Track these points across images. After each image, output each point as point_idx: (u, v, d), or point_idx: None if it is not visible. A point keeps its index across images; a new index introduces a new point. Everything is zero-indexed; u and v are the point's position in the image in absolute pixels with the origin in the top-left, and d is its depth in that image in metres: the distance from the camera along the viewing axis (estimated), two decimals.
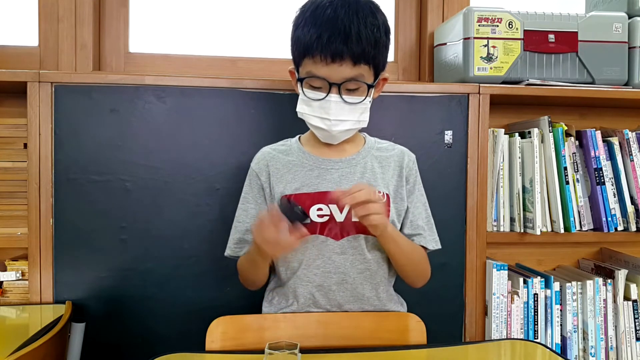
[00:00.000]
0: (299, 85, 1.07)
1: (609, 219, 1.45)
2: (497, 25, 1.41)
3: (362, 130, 1.18)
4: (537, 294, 1.40)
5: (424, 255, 1.14)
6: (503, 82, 1.42)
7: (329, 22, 0.98)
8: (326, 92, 1.02)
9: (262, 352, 0.86)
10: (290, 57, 1.11)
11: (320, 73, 1.01)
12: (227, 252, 1.14)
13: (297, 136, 1.18)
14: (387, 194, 1.09)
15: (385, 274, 1.11)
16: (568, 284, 1.42)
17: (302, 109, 1.07)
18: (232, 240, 1.14)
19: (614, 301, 1.44)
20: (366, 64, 1.01)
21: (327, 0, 1.01)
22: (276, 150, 1.15)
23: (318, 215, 1.06)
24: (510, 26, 1.41)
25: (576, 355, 1.43)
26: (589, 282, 1.42)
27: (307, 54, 1.01)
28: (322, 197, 1.07)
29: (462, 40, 1.42)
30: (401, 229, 1.13)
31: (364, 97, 1.04)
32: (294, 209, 0.97)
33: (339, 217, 1.06)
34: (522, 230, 1.43)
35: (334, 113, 1.03)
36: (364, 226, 1.06)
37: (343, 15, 0.98)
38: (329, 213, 1.06)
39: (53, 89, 1.27)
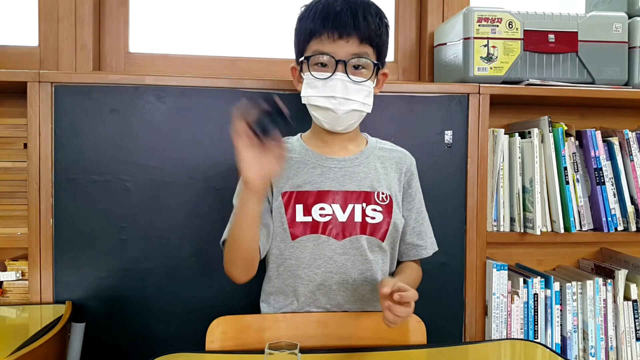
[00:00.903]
0: (301, 74, 1.07)
1: (609, 219, 1.45)
2: (497, 25, 1.41)
3: (363, 130, 1.18)
4: (537, 294, 1.40)
5: (420, 276, 1.18)
6: (503, 82, 1.42)
7: (337, 5, 1.02)
8: (332, 71, 1.03)
9: (262, 352, 0.86)
10: (291, 57, 1.11)
11: (327, 49, 1.02)
12: (222, 238, 1.10)
13: (299, 134, 1.18)
14: (389, 195, 1.09)
15: (386, 274, 1.11)
16: (568, 284, 1.42)
17: (307, 92, 1.07)
18: (227, 228, 1.11)
19: (614, 301, 1.44)
20: (371, 45, 1.04)
21: None
22: None
23: (320, 215, 1.06)
24: (510, 26, 1.41)
25: (576, 355, 1.43)
26: (589, 282, 1.42)
27: (314, 35, 1.03)
28: (324, 196, 1.07)
29: (462, 40, 1.42)
30: (403, 235, 1.14)
31: (369, 76, 1.05)
32: (276, 114, 0.82)
33: (342, 217, 1.06)
34: (522, 230, 1.43)
35: (340, 91, 1.03)
36: (366, 227, 1.06)
37: (348, 5, 1.02)
38: (331, 212, 1.06)
39: (53, 89, 1.27)
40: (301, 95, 1.08)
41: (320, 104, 1.05)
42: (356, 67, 1.04)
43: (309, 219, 1.06)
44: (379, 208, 1.08)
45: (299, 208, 1.06)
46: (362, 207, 1.07)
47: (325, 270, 1.07)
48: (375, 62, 1.05)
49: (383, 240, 1.08)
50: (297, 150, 1.13)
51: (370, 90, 1.07)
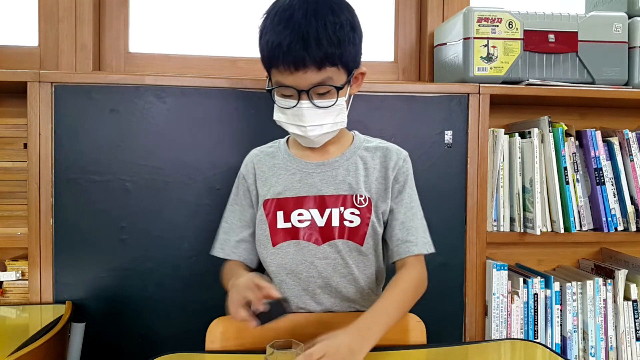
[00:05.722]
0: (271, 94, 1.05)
1: (609, 219, 1.45)
2: (497, 25, 1.41)
3: (363, 131, 1.18)
4: (537, 294, 1.40)
5: (414, 287, 1.04)
6: (503, 82, 1.42)
7: (287, 28, 0.95)
8: (297, 100, 1.00)
9: (262, 352, 0.86)
10: None
11: (287, 82, 0.98)
12: (212, 250, 1.13)
13: (287, 137, 1.16)
14: (368, 197, 1.07)
15: (371, 277, 1.09)
16: (568, 284, 1.42)
17: (278, 117, 1.06)
18: (217, 240, 1.14)
19: (614, 301, 1.44)
20: (332, 65, 0.98)
21: (287, 3, 0.98)
22: (263, 153, 1.15)
23: (299, 221, 1.06)
24: (510, 26, 1.41)
25: (576, 355, 1.43)
26: (589, 282, 1.42)
27: (272, 64, 0.99)
28: (303, 202, 1.06)
29: (462, 40, 1.42)
30: (389, 232, 1.09)
31: (335, 100, 1.01)
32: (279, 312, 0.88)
33: (320, 222, 1.06)
34: (522, 230, 1.43)
35: (307, 119, 1.01)
36: (345, 231, 1.05)
37: (301, 18, 0.94)
38: (309, 218, 1.06)
39: (53, 89, 1.27)
40: (274, 118, 1.06)
41: (291, 130, 1.05)
42: (321, 93, 1.01)
43: (288, 225, 1.06)
44: (357, 211, 1.06)
45: (280, 215, 1.06)
46: (340, 211, 1.06)
47: (307, 276, 1.07)
48: (339, 86, 1.00)
49: (362, 244, 1.06)
50: (281, 155, 1.12)
51: (342, 106, 1.04)
